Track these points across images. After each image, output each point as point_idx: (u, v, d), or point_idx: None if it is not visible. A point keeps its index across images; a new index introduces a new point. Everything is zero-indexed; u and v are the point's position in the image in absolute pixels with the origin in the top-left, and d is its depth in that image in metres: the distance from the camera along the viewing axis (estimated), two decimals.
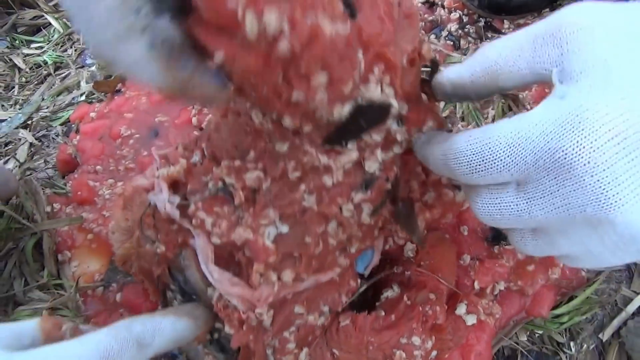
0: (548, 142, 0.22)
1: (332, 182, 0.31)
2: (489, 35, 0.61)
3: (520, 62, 0.25)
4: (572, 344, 0.43)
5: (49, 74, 0.83)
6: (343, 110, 0.26)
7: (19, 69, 0.86)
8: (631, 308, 0.44)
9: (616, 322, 0.44)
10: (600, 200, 0.21)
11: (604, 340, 0.44)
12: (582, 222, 0.22)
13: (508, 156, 0.23)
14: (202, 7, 0.22)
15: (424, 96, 0.32)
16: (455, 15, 0.63)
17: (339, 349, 0.35)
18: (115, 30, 0.22)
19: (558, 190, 0.22)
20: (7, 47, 0.91)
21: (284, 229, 0.32)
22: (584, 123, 0.21)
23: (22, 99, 0.80)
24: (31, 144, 0.68)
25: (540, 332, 0.44)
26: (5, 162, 0.67)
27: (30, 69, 0.86)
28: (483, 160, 0.24)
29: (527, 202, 0.24)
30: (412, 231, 0.35)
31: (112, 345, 0.30)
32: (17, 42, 0.91)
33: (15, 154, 0.67)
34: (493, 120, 0.55)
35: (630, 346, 0.42)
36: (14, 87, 0.84)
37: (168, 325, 0.32)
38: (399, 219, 0.35)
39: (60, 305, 0.46)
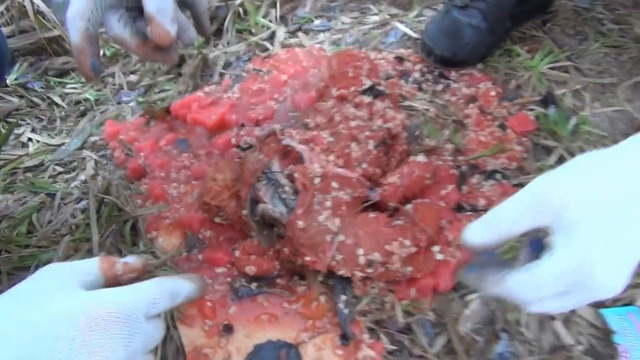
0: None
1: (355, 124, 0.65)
2: (442, 81, 0.88)
3: (522, 226, 0.39)
4: None
5: (87, 109, 1.01)
6: None
7: (57, 105, 1.04)
8: None
9: None
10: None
11: None
12: None
13: (552, 287, 0.37)
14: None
15: None
16: (417, 66, 0.89)
17: (361, 229, 0.61)
18: None
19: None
20: (42, 87, 1.09)
21: (330, 138, 0.65)
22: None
23: (67, 129, 0.98)
24: (96, 161, 0.87)
25: None
26: (75, 177, 0.85)
27: (67, 105, 1.04)
28: (531, 297, 0.39)
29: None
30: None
31: (157, 293, 0.40)
32: (50, 83, 1.09)
33: (84, 169, 0.86)
34: (448, 138, 0.80)
35: None
36: (55, 120, 1.01)
37: (185, 286, 0.44)
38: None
39: (162, 265, 0.65)
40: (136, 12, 0.57)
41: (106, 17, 0.56)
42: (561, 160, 0.80)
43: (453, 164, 0.77)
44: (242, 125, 0.82)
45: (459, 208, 0.72)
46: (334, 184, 0.62)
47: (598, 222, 0.36)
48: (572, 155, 0.80)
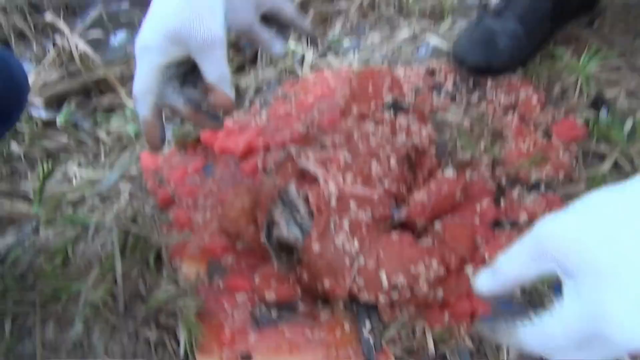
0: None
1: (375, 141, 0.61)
2: (476, 91, 0.83)
3: (528, 274, 0.36)
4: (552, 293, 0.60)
5: (129, 143, 1.04)
6: None
7: (103, 142, 1.07)
8: None
9: None
10: None
11: None
12: None
13: (562, 339, 0.34)
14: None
15: None
16: (450, 78, 0.85)
17: (383, 251, 0.57)
18: None
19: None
20: (91, 125, 1.13)
21: (349, 158, 0.62)
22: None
23: (110, 163, 1.00)
24: (131, 193, 0.88)
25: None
26: (110, 209, 0.87)
27: (112, 141, 1.07)
28: (544, 350, 0.36)
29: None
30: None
31: None
32: (98, 120, 1.13)
33: (119, 201, 0.87)
34: (484, 149, 0.75)
35: None
36: (99, 155, 1.04)
37: None
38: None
39: (182, 293, 0.64)
40: (181, 79, 0.59)
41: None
42: (617, 166, 0.72)
43: (490, 178, 0.71)
44: (269, 149, 0.81)
45: (497, 224, 0.66)
46: (352, 205, 0.59)
47: (607, 267, 0.31)
48: (630, 161, 0.72)
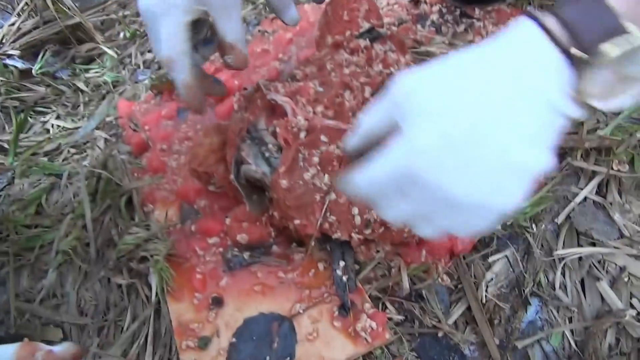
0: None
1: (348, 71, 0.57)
2: (463, 21, 0.78)
3: (378, 121, 0.37)
4: (534, 226, 0.58)
5: (108, 91, 1.00)
6: None
7: (82, 91, 1.04)
8: (578, 199, 0.59)
9: (567, 209, 0.58)
10: None
11: (558, 223, 0.58)
12: None
13: (385, 179, 0.34)
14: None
15: None
16: (435, 7, 0.79)
17: None
18: None
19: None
20: (69, 75, 1.09)
21: (319, 88, 0.58)
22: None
23: (89, 113, 0.97)
24: (106, 140, 0.85)
25: (510, 221, 0.58)
26: (85, 158, 0.84)
27: (91, 90, 1.04)
28: (372, 195, 0.36)
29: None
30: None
31: None
32: (77, 70, 1.09)
33: (95, 148, 0.84)
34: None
35: (577, 223, 0.57)
36: (79, 105, 1.01)
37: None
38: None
39: (152, 236, 0.62)
40: None
41: None
42: None
43: None
44: (245, 89, 0.77)
45: None
46: (323, 138, 0.55)
47: (430, 107, 0.33)
48: None
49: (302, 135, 0.55)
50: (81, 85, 1.04)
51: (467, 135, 0.31)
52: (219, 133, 0.62)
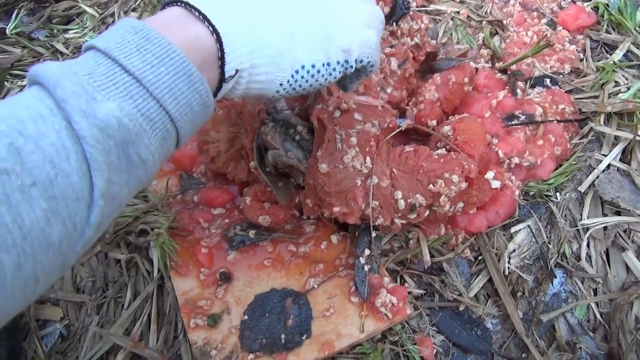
0: None
1: None
2: None
3: None
4: (558, 195, 0.55)
5: None
6: None
7: (61, 53, 0.97)
8: (602, 166, 0.56)
9: (591, 177, 0.56)
10: None
11: (582, 191, 0.56)
12: None
13: None
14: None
15: None
16: None
17: (397, 168, 0.49)
18: None
19: None
20: (46, 36, 1.02)
21: None
22: None
23: None
24: None
25: (534, 191, 0.56)
26: None
27: (72, 52, 0.97)
28: None
29: None
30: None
31: None
32: (54, 31, 1.02)
33: None
34: (483, 42, 0.67)
35: (602, 191, 0.54)
36: None
37: None
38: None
39: (151, 208, 0.58)
40: None
41: None
42: (627, 56, 0.65)
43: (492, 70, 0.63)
44: None
45: (509, 118, 0.59)
46: (357, 116, 0.51)
47: None
48: None
49: (337, 114, 0.50)
50: (60, 46, 0.97)
51: None
52: (229, 123, 0.56)
